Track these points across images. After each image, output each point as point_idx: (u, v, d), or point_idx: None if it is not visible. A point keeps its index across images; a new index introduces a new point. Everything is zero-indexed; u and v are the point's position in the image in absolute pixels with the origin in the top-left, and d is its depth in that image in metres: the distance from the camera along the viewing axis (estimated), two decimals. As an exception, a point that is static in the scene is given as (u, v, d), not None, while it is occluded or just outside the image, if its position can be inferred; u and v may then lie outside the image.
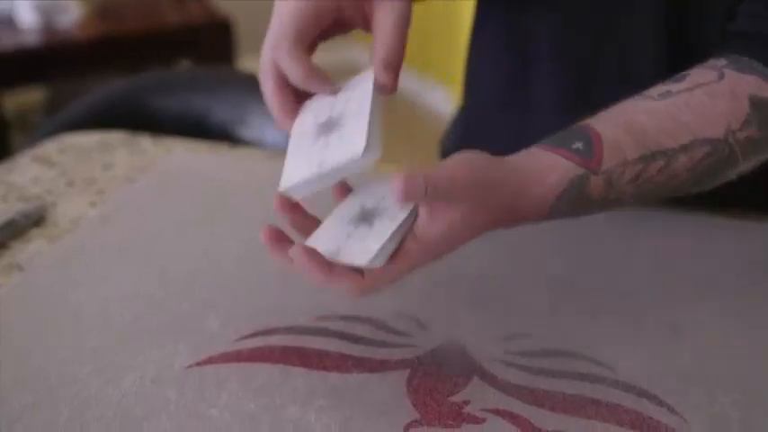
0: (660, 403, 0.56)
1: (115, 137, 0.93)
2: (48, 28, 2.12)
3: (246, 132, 1.20)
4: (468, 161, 0.52)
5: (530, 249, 0.72)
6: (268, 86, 0.58)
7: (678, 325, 0.63)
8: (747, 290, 0.68)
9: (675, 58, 0.73)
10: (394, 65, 0.56)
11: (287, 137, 0.59)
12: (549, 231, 0.68)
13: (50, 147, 0.91)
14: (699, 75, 0.60)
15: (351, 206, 0.56)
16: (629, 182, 0.57)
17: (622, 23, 0.74)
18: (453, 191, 0.51)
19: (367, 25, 0.59)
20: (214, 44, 2.22)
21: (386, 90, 0.56)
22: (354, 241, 0.52)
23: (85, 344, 0.60)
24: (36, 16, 2.11)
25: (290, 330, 0.61)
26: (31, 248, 0.72)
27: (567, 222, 0.60)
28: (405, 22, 0.57)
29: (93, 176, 0.85)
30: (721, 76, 0.59)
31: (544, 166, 0.55)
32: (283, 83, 0.58)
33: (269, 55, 0.57)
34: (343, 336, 0.61)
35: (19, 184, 0.83)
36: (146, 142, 0.92)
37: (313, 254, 0.51)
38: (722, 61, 0.61)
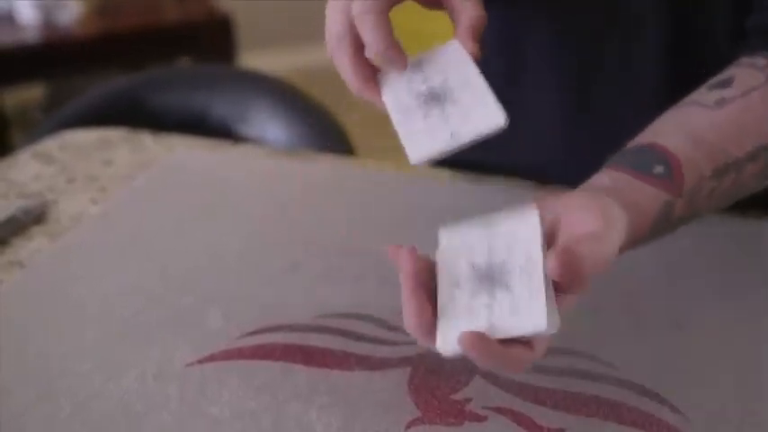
0: (662, 401, 0.56)
1: (116, 134, 0.93)
2: (48, 25, 2.12)
3: (248, 129, 1.20)
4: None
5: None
6: (345, 53, 0.56)
7: (680, 323, 0.63)
8: (748, 288, 0.68)
9: (676, 57, 0.73)
10: (479, 33, 0.55)
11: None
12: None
13: (51, 144, 0.91)
14: (745, 77, 0.60)
15: (457, 270, 0.51)
16: (704, 198, 0.57)
17: (622, 23, 0.74)
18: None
19: None
20: (214, 41, 2.22)
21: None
22: (506, 311, 0.48)
23: (87, 341, 0.60)
24: (36, 13, 2.11)
25: (291, 328, 0.61)
26: (32, 245, 0.72)
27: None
28: None
29: (93, 173, 0.85)
30: None
31: (635, 198, 0.54)
32: (361, 50, 0.56)
33: (345, 23, 0.55)
34: (344, 333, 0.61)
35: (20, 181, 0.83)
36: (147, 139, 0.92)
37: (480, 337, 0.46)
38: (762, 60, 0.61)
